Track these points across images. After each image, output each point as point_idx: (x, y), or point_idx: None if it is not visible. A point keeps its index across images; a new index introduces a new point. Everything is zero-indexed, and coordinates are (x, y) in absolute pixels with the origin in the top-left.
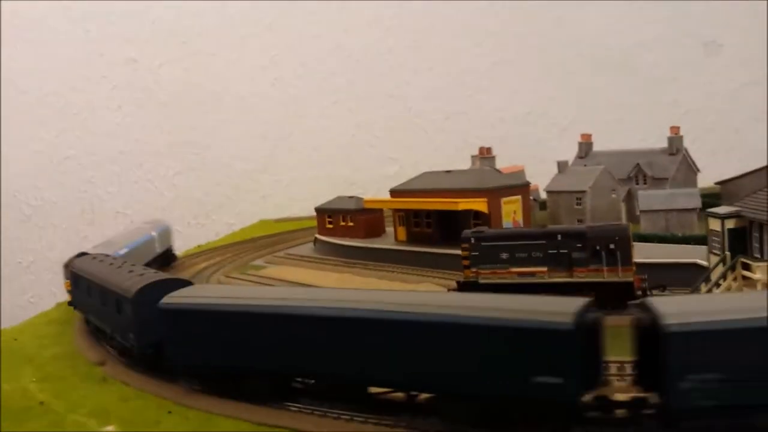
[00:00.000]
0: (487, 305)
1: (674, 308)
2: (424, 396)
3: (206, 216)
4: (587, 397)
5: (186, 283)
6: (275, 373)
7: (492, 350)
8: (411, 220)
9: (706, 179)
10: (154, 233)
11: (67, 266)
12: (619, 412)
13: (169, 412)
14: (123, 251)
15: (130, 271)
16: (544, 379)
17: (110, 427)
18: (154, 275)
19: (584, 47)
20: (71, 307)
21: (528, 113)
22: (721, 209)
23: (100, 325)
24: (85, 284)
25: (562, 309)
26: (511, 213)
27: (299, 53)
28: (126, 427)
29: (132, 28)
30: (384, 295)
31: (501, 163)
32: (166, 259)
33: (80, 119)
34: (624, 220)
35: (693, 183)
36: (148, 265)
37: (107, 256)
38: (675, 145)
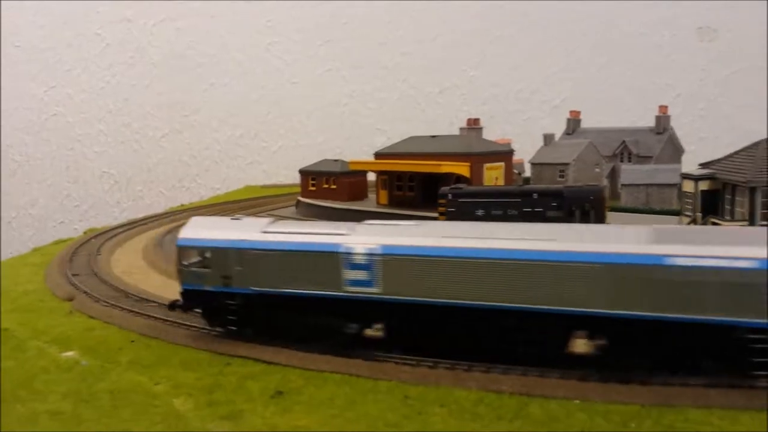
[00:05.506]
0: None
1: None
2: None
3: (192, 179)
4: None
5: None
6: None
7: None
8: (393, 183)
9: (694, 163)
10: None
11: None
12: None
13: (132, 341)
14: None
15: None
16: None
17: (71, 353)
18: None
19: (586, 26)
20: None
21: (521, 90)
22: (696, 171)
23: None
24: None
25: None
26: (493, 179)
27: (296, 19)
28: (88, 353)
29: None
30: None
31: (490, 137)
32: None
33: (71, 76)
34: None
35: (678, 163)
36: None
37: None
38: (662, 124)
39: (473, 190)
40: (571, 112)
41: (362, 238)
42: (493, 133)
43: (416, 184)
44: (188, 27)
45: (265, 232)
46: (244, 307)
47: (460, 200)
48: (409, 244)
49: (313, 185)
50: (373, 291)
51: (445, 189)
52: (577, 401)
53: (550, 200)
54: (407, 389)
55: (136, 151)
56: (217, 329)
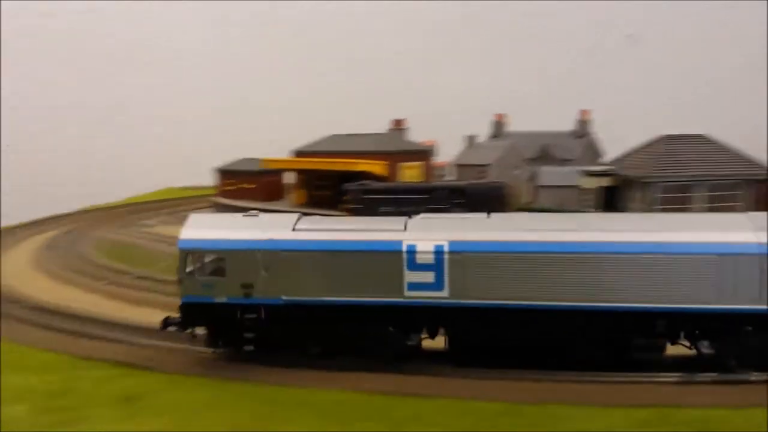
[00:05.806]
0: None
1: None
2: None
3: (110, 179)
4: None
5: None
6: None
7: None
8: (311, 182)
9: None
10: None
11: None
12: None
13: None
14: None
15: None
16: None
17: None
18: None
19: (542, 30)
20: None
21: (457, 96)
22: (596, 167)
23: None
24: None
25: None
26: (411, 178)
27: (256, 13)
28: None
29: None
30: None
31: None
32: None
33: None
34: (526, 197)
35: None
36: None
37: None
38: (583, 128)
39: (379, 186)
40: (496, 114)
41: (428, 234)
42: (430, 136)
43: (334, 183)
44: (128, 23)
45: (299, 230)
46: (268, 322)
47: (366, 196)
48: (491, 239)
49: (229, 184)
50: (441, 295)
51: (350, 185)
52: (448, 399)
53: (453, 196)
54: (271, 391)
55: (59, 148)
56: (222, 350)
